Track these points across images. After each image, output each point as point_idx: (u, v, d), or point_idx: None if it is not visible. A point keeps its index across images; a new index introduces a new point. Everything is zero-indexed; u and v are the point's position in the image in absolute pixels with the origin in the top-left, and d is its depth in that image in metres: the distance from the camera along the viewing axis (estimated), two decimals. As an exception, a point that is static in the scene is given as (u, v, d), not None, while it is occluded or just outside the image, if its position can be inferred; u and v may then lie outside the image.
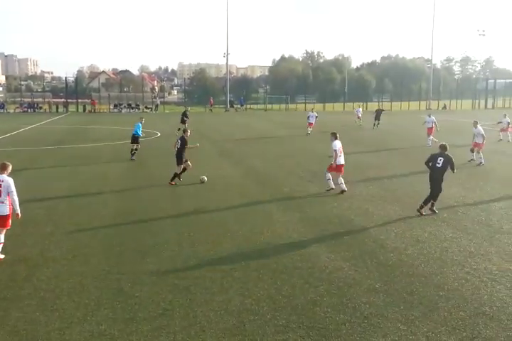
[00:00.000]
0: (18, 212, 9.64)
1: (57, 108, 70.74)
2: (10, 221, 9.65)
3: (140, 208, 13.57)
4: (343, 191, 15.21)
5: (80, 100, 73.38)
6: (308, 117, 35.94)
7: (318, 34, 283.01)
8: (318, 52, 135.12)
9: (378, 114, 40.12)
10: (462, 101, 79.43)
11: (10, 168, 9.84)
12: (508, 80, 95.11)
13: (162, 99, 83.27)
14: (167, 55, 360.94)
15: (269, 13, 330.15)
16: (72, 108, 70.97)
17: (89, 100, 75.16)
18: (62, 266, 9.20)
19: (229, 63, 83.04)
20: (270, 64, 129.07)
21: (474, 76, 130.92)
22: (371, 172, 19.15)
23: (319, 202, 14.29)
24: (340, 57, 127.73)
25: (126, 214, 12.93)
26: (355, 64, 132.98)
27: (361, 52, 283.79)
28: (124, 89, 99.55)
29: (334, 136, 15.38)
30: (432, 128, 28.27)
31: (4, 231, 9.64)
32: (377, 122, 39.65)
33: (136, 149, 23.02)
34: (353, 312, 7.29)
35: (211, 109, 74.52)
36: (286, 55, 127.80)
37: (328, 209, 13.36)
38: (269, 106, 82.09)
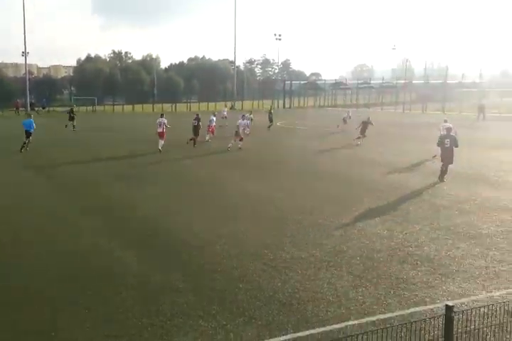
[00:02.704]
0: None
1: None
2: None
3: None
4: None
5: None
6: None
7: (124, 34, 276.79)
8: (126, 53, 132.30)
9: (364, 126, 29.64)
10: (263, 101, 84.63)
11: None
12: (302, 82, 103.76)
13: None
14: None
15: (68, 13, 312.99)
16: None
17: None
18: None
19: (29, 62, 77.44)
20: (75, 64, 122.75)
21: (274, 77, 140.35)
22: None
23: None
24: (148, 58, 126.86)
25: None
26: (163, 65, 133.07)
27: (169, 53, 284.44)
28: None
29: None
30: (211, 126, 31.96)
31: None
32: (363, 136, 29.05)
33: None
34: (157, 315, 7.32)
35: (18, 112, 68.77)
36: (93, 55, 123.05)
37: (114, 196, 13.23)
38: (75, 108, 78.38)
